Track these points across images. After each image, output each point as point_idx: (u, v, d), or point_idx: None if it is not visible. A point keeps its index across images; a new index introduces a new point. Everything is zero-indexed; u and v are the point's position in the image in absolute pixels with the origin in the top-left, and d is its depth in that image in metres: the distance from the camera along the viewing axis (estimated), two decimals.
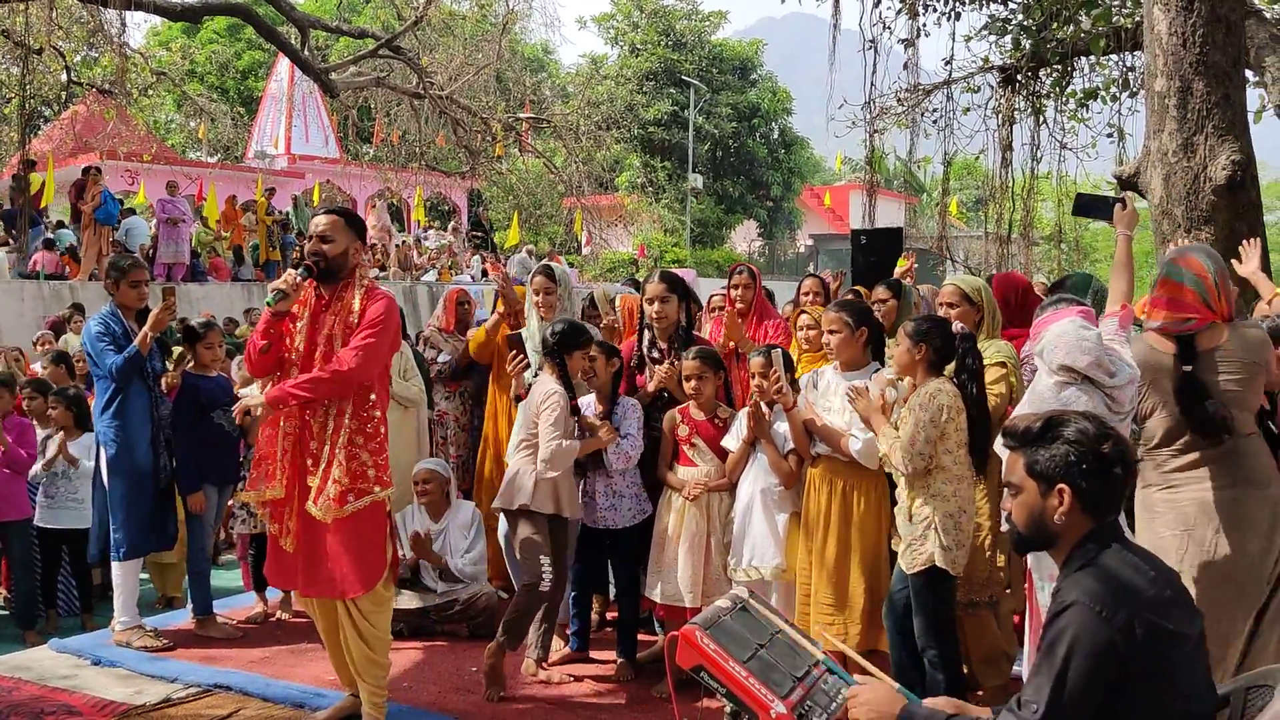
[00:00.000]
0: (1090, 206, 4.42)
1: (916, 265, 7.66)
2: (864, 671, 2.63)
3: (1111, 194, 4.50)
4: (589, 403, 4.97)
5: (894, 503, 4.39)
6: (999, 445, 3.65)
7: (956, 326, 4.21)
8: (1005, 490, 2.55)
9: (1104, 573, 2.33)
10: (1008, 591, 4.47)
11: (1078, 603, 2.28)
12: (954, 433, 3.96)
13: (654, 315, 5.17)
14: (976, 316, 4.65)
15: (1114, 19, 9.86)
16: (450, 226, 28.38)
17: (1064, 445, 2.43)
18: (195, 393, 5.73)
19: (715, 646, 2.51)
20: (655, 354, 5.23)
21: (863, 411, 4.14)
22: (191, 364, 5.96)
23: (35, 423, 6.78)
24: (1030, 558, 3.22)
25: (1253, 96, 7.78)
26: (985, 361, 4.36)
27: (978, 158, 12.50)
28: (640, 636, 5.13)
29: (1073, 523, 2.42)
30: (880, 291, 5.96)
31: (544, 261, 9.34)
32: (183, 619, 5.83)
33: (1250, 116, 6.49)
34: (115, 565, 5.51)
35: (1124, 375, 3.49)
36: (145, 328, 5.40)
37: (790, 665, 2.58)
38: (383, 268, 22.55)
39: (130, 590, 5.52)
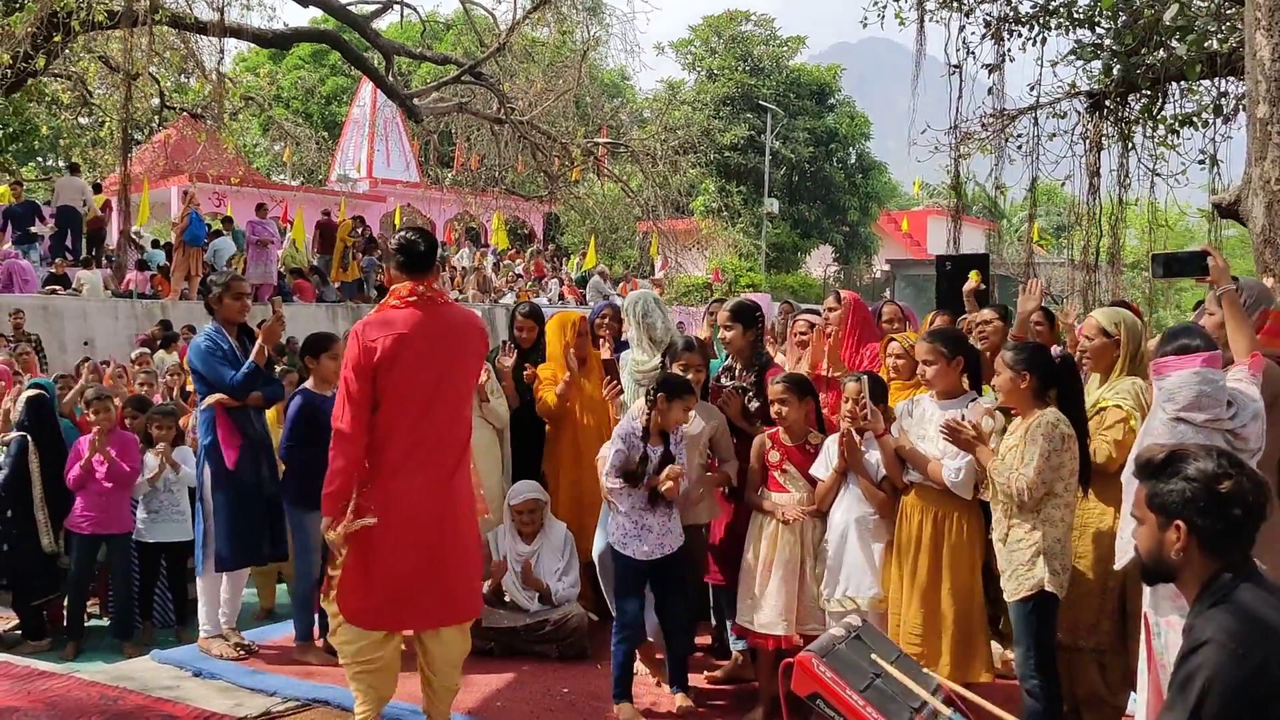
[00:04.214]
0: (1174, 265, 4.31)
1: (984, 287, 7.45)
2: (983, 711, 2.59)
3: (1190, 250, 4.39)
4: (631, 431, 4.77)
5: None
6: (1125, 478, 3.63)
7: (1055, 350, 4.17)
8: (1133, 517, 2.53)
9: (1240, 610, 2.28)
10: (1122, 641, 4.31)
11: (1212, 640, 2.23)
12: (1069, 461, 3.95)
13: (722, 342, 5.42)
14: (1115, 351, 4.44)
15: (1207, 43, 9.69)
16: (531, 251, 28.65)
17: (1182, 481, 2.41)
18: (314, 412, 5.46)
19: (833, 675, 2.51)
20: (728, 380, 5.36)
21: (964, 447, 4.10)
22: (311, 381, 5.78)
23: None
24: (1148, 603, 3.16)
25: None
26: (1107, 403, 4.29)
27: (1064, 184, 12.33)
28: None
29: (1191, 559, 2.38)
30: (987, 313, 5.88)
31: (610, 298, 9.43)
32: (281, 634, 5.93)
33: None
34: (200, 577, 5.68)
35: (1248, 412, 3.44)
36: (260, 340, 5.52)
37: (906, 696, 2.56)
38: (460, 290, 22.86)
39: (213, 600, 5.69)
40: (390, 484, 4.08)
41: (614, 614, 4.84)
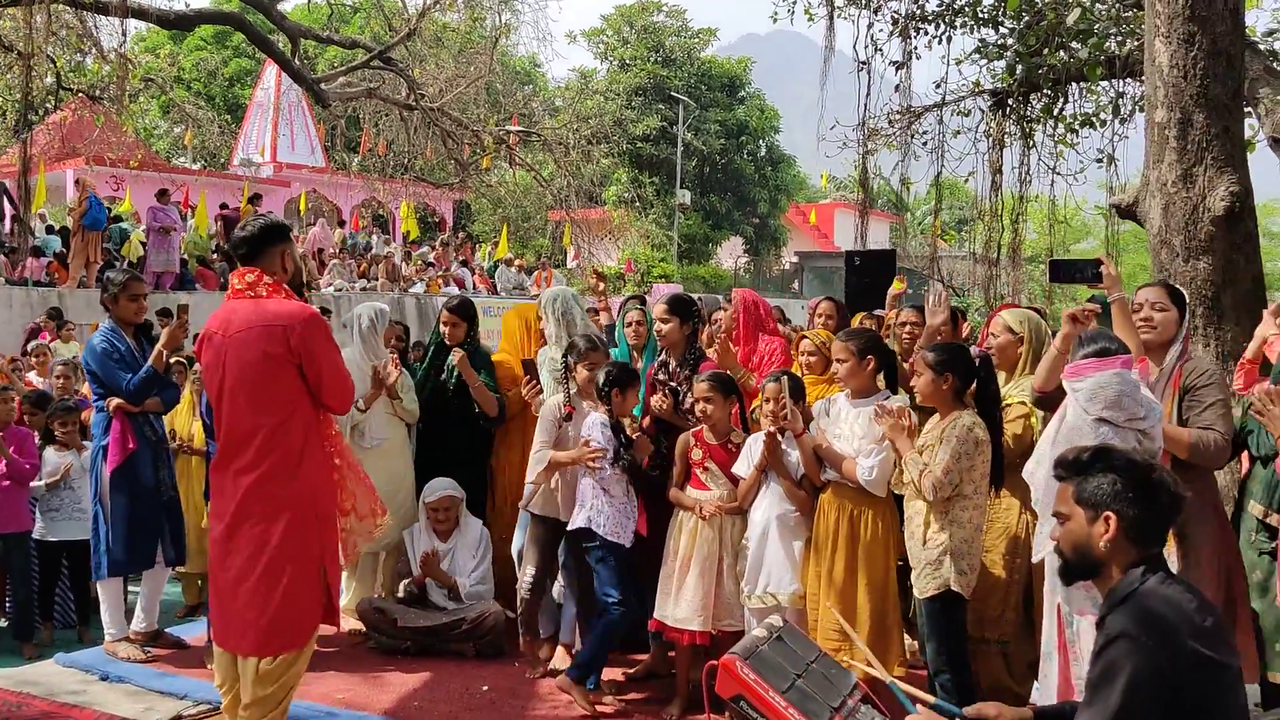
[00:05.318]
0: (1067, 271, 4.49)
1: (909, 290, 7.72)
2: (911, 696, 2.66)
3: (1084, 257, 4.57)
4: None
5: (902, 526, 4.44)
6: (1026, 474, 3.73)
7: (973, 351, 4.28)
8: (1055, 520, 2.62)
9: (1150, 603, 2.39)
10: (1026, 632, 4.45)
11: (1125, 633, 2.33)
12: (981, 464, 4.04)
13: (658, 335, 5.33)
14: (1020, 348, 4.64)
15: (1107, 46, 9.98)
16: (440, 240, 28.35)
17: (1111, 473, 2.52)
18: None
19: (755, 677, 2.55)
20: (664, 374, 5.30)
21: (890, 434, 4.18)
22: None
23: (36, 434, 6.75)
24: (1060, 594, 3.28)
25: (1245, 127, 7.91)
26: (1012, 399, 4.42)
27: (967, 179, 12.59)
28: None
29: (1117, 550, 2.49)
30: (907, 313, 5.98)
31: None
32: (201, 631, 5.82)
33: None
34: (100, 580, 5.54)
35: (1155, 415, 3.58)
36: (160, 345, 5.37)
37: (827, 695, 2.62)
38: (367, 278, 22.52)
39: (116, 603, 5.56)
40: None
41: (607, 606, 4.77)
